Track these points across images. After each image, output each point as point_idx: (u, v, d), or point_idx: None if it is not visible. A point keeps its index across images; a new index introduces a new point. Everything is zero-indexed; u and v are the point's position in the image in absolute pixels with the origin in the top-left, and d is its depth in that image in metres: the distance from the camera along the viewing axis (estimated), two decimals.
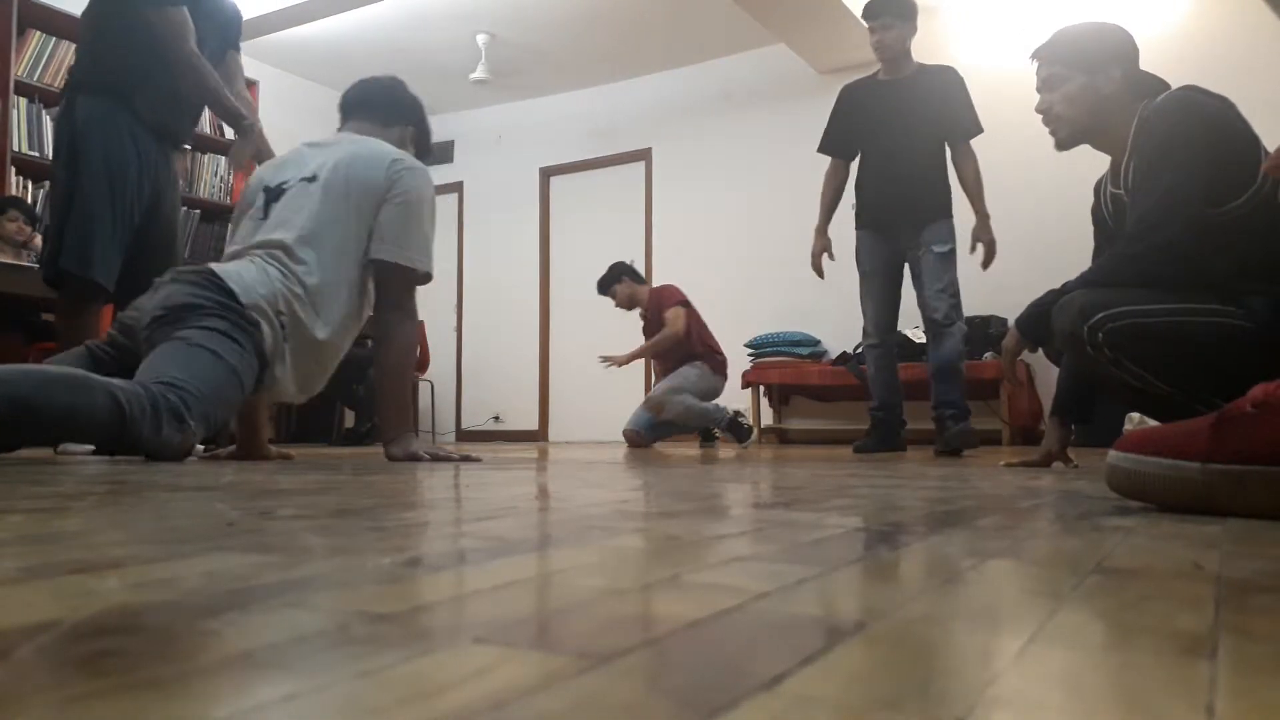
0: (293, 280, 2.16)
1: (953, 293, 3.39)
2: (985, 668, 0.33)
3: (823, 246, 3.68)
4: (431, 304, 7.40)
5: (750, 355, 6.10)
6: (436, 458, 2.25)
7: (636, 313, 5.05)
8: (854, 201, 3.60)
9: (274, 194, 2.29)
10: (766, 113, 6.57)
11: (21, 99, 4.76)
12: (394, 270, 2.31)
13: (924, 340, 5.21)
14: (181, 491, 1.14)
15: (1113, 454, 1.03)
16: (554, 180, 7.65)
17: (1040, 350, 2.08)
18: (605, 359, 4.75)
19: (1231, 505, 0.92)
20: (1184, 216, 1.75)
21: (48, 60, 4.90)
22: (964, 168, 3.47)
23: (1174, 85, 1.92)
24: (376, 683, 0.30)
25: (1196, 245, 1.75)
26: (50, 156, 4.67)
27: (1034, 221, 4.78)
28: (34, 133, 4.79)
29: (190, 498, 1.06)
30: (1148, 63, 2.02)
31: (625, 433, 4.73)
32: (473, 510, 0.97)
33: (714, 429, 4.67)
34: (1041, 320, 1.92)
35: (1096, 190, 2.09)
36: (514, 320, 7.63)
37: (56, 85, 4.82)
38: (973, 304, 3.56)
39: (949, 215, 3.45)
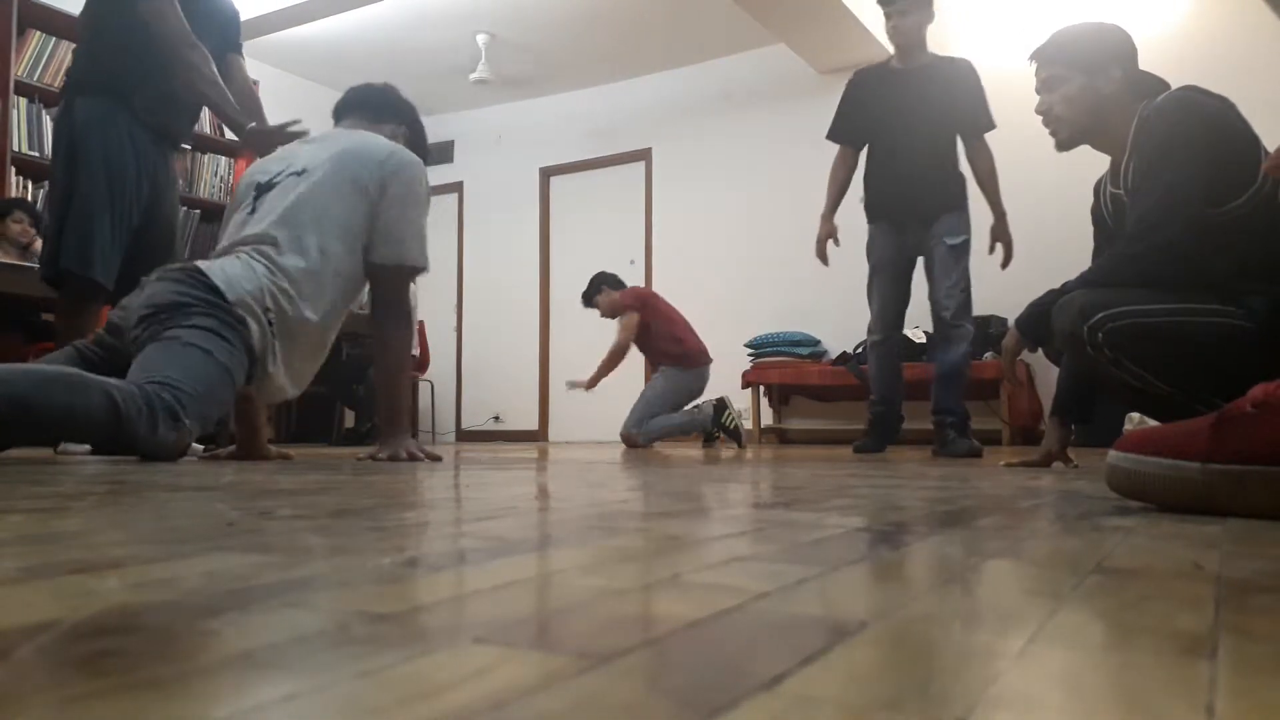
0: (279, 275, 2.15)
1: (964, 289, 3.33)
2: (986, 668, 0.33)
3: (828, 232, 3.59)
4: (431, 304, 7.40)
5: (750, 355, 6.10)
6: (414, 457, 2.26)
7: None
8: (862, 195, 3.53)
9: (264, 189, 2.29)
10: (766, 113, 6.57)
11: (21, 99, 4.76)
12: (391, 270, 2.32)
13: (923, 341, 5.23)
14: (181, 491, 1.14)
15: (1113, 454, 1.03)
16: (554, 180, 7.66)
17: (1040, 350, 2.08)
18: (571, 384, 4.79)
19: (1231, 505, 0.92)
20: (1184, 216, 1.75)
21: (48, 60, 4.90)
22: (979, 163, 3.40)
23: (1174, 85, 1.92)
24: (376, 683, 0.30)
25: (1196, 245, 1.75)
26: (50, 156, 4.70)
27: (1034, 221, 4.77)
28: (34, 133, 4.79)
29: (190, 498, 1.06)
30: (1148, 63, 2.02)
31: (622, 435, 4.73)
32: (473, 510, 0.97)
33: (713, 431, 4.66)
34: (1041, 320, 1.92)
35: (1096, 190, 2.09)
36: (514, 320, 7.63)
37: (56, 85, 4.81)
38: (973, 304, 3.52)
39: (963, 207, 3.38)
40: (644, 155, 7.17)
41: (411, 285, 2.41)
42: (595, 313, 4.99)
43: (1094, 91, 1.95)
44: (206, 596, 0.44)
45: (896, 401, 3.53)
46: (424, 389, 7.04)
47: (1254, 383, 0.97)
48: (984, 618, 0.42)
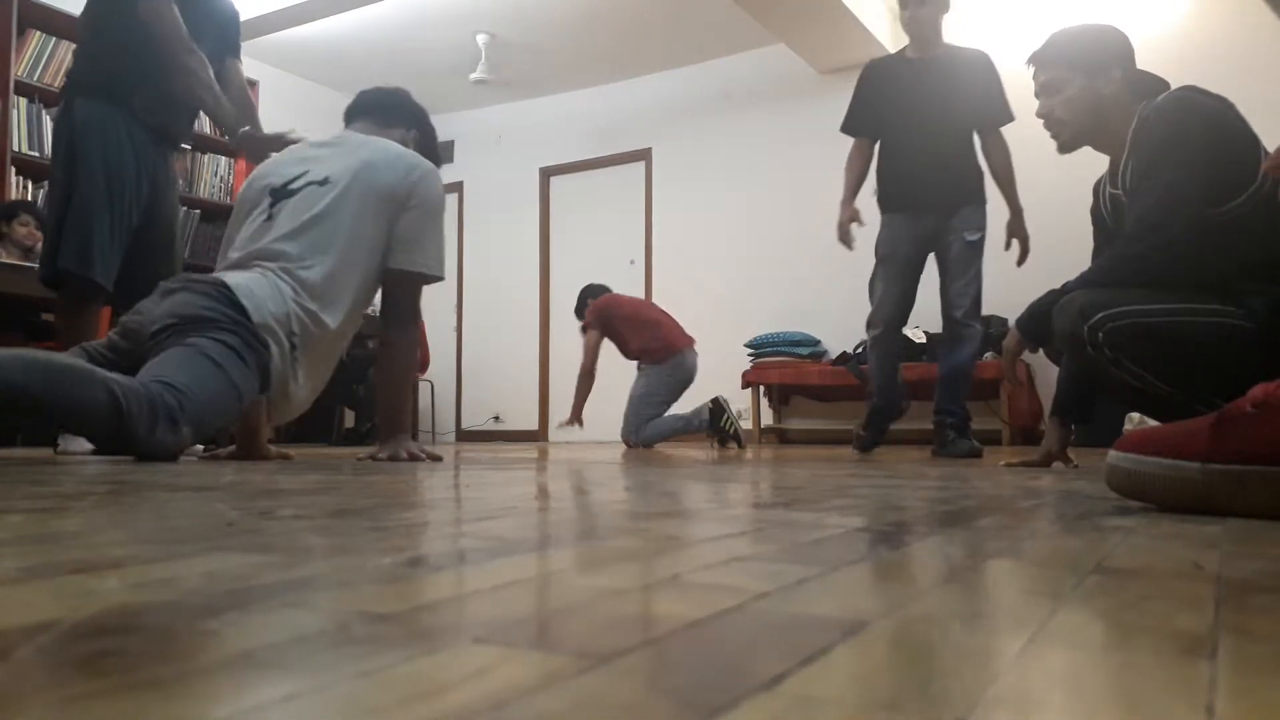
0: (304, 295, 2.16)
1: (977, 287, 3.27)
2: (985, 668, 0.33)
3: (851, 215, 3.44)
4: (431, 304, 7.35)
5: (750, 355, 6.10)
6: (414, 458, 2.26)
7: None
8: (874, 188, 3.46)
9: (280, 194, 2.27)
10: (766, 113, 6.57)
11: (21, 99, 4.76)
12: (407, 277, 2.33)
13: (923, 341, 5.23)
14: (181, 491, 1.14)
15: (1113, 454, 1.03)
16: (554, 180, 7.66)
17: (1040, 350, 2.08)
18: (561, 425, 4.73)
19: (1231, 505, 0.92)
20: (1184, 216, 1.75)
21: (48, 60, 4.90)
22: (995, 156, 3.34)
23: (1174, 85, 1.92)
24: (376, 683, 0.30)
25: (1196, 245, 1.76)
26: (49, 157, 4.70)
27: (1034, 222, 4.76)
28: (34, 133, 4.79)
29: (190, 498, 1.06)
30: (1148, 63, 2.02)
31: (622, 438, 4.73)
32: (473, 510, 0.97)
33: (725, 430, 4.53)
34: (1042, 320, 1.92)
35: (1095, 191, 2.09)
36: (514, 320, 7.64)
37: (56, 85, 4.81)
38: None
39: (982, 202, 3.32)
40: (644, 155, 7.17)
41: None
42: None
43: (1094, 93, 1.95)
44: (206, 596, 0.44)
45: (895, 399, 3.45)
46: (424, 389, 7.04)
47: (1254, 383, 0.97)
48: (984, 618, 0.43)
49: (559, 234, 7.61)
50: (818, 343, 6.07)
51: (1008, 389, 4.77)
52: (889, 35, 5.78)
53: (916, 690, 0.30)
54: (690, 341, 4.73)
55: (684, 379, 4.65)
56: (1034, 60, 2.06)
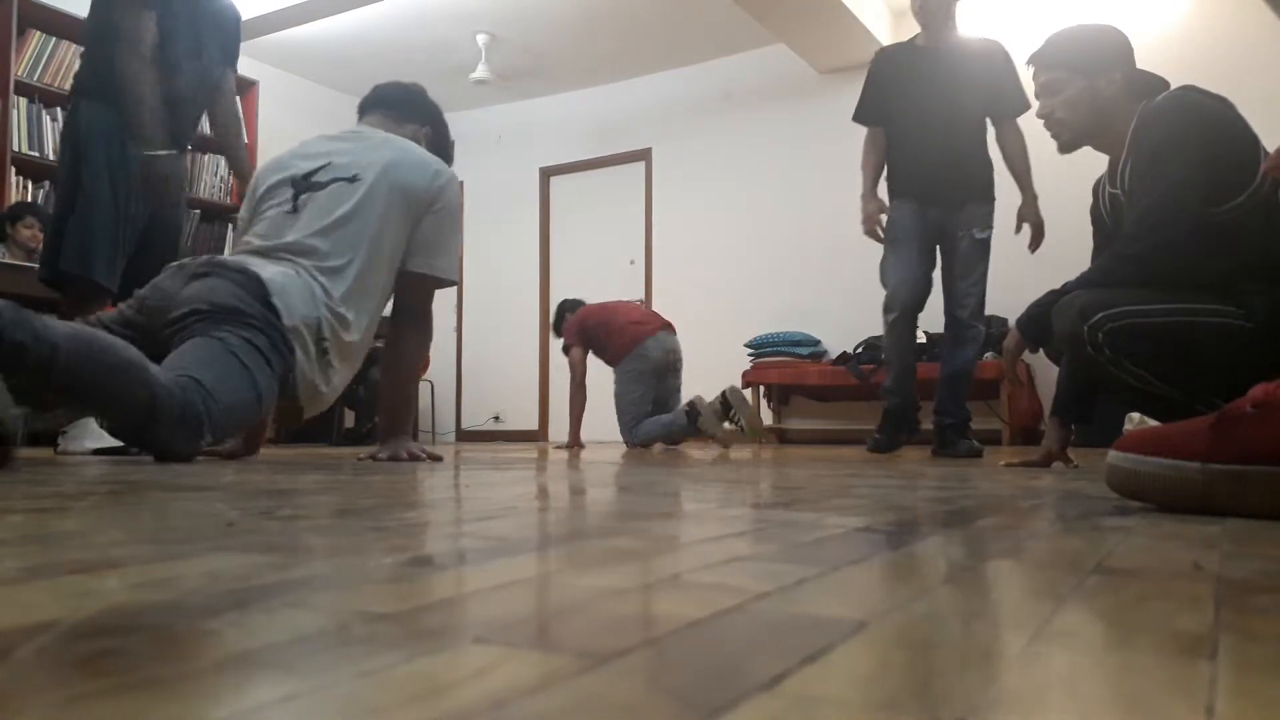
0: (334, 298, 2.16)
1: (982, 289, 3.21)
2: (986, 668, 0.33)
3: (877, 208, 3.32)
4: (432, 304, 7.38)
5: (750, 355, 6.10)
6: (414, 457, 2.27)
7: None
8: (886, 176, 3.38)
9: (303, 186, 2.25)
10: (766, 113, 6.57)
11: (21, 99, 4.76)
12: (423, 280, 2.34)
13: (922, 341, 5.22)
14: (181, 491, 1.14)
15: (1112, 454, 1.03)
16: (554, 180, 7.66)
17: (1040, 351, 2.08)
18: (558, 447, 4.59)
19: (1231, 505, 0.92)
20: (1183, 216, 1.76)
21: (48, 60, 4.90)
22: (1010, 144, 3.26)
23: (1174, 85, 1.93)
24: (377, 683, 0.30)
25: (1196, 245, 1.76)
26: (50, 156, 4.70)
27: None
28: (34, 133, 4.79)
29: (190, 498, 1.06)
30: (1148, 63, 2.02)
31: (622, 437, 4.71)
32: (473, 510, 0.97)
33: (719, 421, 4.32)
34: (1041, 321, 1.92)
35: (1095, 190, 2.09)
36: (514, 320, 7.63)
37: (57, 85, 4.82)
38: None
39: (991, 198, 3.26)
40: (644, 155, 7.17)
41: None
42: None
43: (1095, 94, 1.96)
44: (207, 596, 0.44)
45: (911, 393, 3.31)
46: (424, 389, 7.03)
47: (1253, 383, 0.97)
48: (984, 618, 0.43)
49: (559, 234, 7.61)
50: (818, 343, 6.07)
51: (1008, 389, 4.76)
52: (889, 35, 5.78)
53: (916, 690, 0.30)
54: (652, 329, 4.52)
55: (651, 368, 4.46)
56: (1033, 61, 2.07)
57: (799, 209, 6.35)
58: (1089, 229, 2.11)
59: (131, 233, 2.77)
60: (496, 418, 7.69)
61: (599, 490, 1.32)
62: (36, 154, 4.75)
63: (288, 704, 0.27)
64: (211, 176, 5.66)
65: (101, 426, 2.67)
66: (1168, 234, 1.76)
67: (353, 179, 2.24)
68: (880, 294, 3.37)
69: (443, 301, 8.26)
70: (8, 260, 4.07)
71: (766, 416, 6.21)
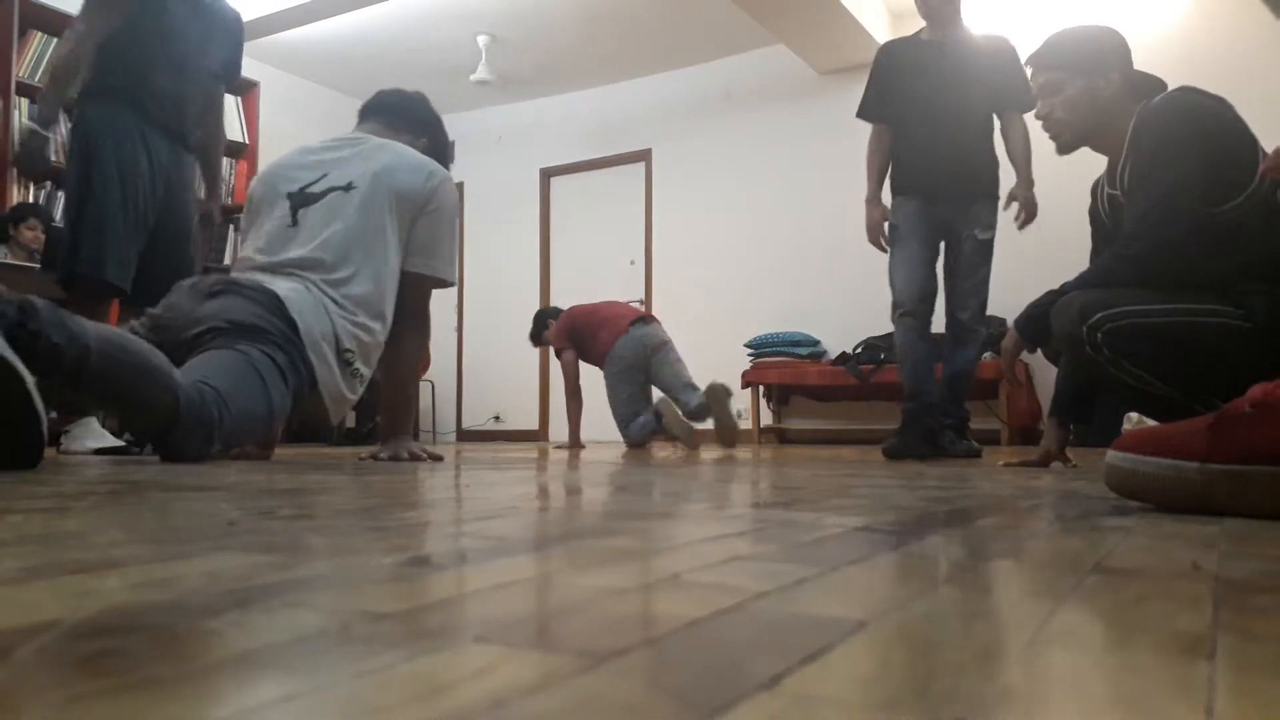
0: (350, 310, 2.19)
1: (985, 291, 3.15)
2: (985, 667, 0.33)
3: (881, 215, 3.27)
4: (432, 304, 7.37)
5: (750, 355, 6.10)
6: (415, 457, 2.27)
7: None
8: (890, 173, 3.31)
9: (300, 199, 2.28)
10: (766, 113, 6.57)
11: (23, 99, 4.76)
12: (420, 280, 2.35)
13: None
14: (182, 491, 1.14)
15: (1111, 454, 1.03)
16: (554, 180, 7.66)
17: (1039, 351, 2.08)
18: (559, 446, 4.51)
19: (1230, 505, 0.92)
20: (1182, 216, 1.76)
21: (49, 61, 4.90)
22: (1014, 136, 3.18)
23: (1173, 85, 1.93)
24: (377, 682, 0.30)
25: (1195, 245, 1.76)
26: (52, 157, 4.70)
27: (1034, 222, 4.79)
28: (24, 132, 4.79)
29: (191, 498, 1.06)
30: (1148, 63, 2.02)
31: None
32: (473, 510, 0.97)
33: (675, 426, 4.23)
34: (1040, 321, 1.92)
35: (1093, 191, 2.09)
36: (514, 320, 7.62)
37: None
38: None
39: (995, 196, 3.18)
40: (644, 155, 7.17)
41: None
42: None
43: (1094, 94, 1.96)
44: (207, 596, 0.44)
45: (931, 394, 3.14)
46: (425, 389, 7.03)
47: (1252, 383, 0.97)
48: (983, 617, 0.43)
49: (559, 234, 7.61)
50: (817, 343, 6.07)
51: (1007, 389, 4.76)
52: (888, 36, 5.76)
53: (916, 690, 0.30)
54: (624, 327, 4.43)
55: (629, 364, 4.38)
56: (1031, 62, 2.07)
57: (799, 209, 6.35)
58: (1088, 229, 2.12)
59: (142, 233, 2.78)
60: (497, 418, 7.69)
61: (599, 490, 1.32)
62: (17, 155, 4.74)
63: (288, 704, 0.27)
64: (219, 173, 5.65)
65: (105, 425, 2.67)
66: (1167, 234, 1.76)
67: (348, 187, 2.26)
68: (882, 293, 3.34)
69: (443, 301, 8.28)
70: (9, 261, 4.08)
71: (766, 416, 6.22)
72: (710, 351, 6.18)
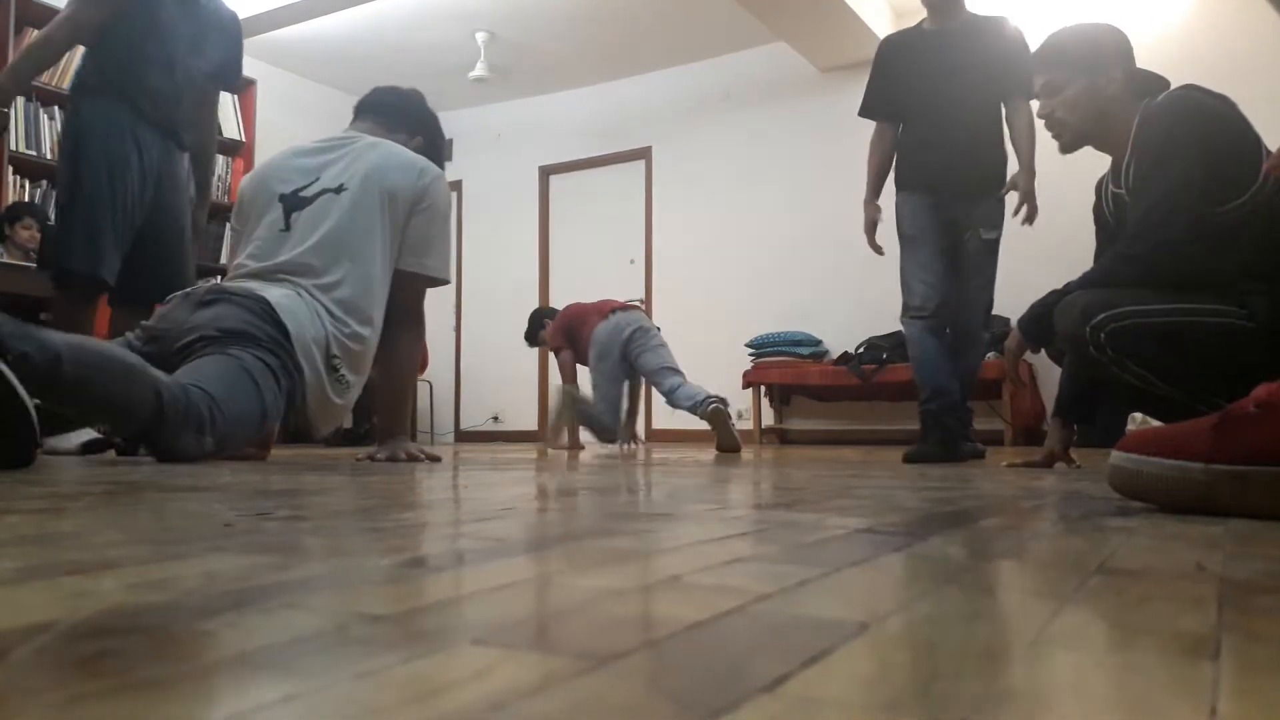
0: (339, 315, 2.19)
1: (991, 292, 3.03)
2: (988, 669, 0.33)
3: (875, 215, 3.16)
4: (430, 304, 7.34)
5: (751, 355, 6.10)
6: (413, 458, 2.27)
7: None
8: (894, 168, 3.19)
9: (293, 202, 2.27)
10: (767, 111, 6.57)
11: (20, 98, 4.75)
12: (413, 279, 2.35)
13: None
14: (179, 492, 1.14)
15: (1115, 454, 1.03)
16: (553, 179, 7.66)
17: (1042, 351, 2.08)
18: (560, 448, 4.33)
19: (1234, 506, 0.92)
20: (1186, 216, 1.75)
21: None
22: (1017, 123, 3.02)
23: (1176, 84, 1.92)
24: (375, 684, 0.29)
25: (1199, 245, 1.75)
26: (48, 156, 4.71)
27: (1037, 221, 4.78)
28: (32, 132, 4.79)
29: (187, 498, 1.06)
30: (1148, 62, 2.02)
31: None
32: (471, 511, 0.97)
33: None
34: (1043, 321, 1.92)
35: (1098, 190, 2.09)
36: (513, 320, 7.60)
37: (54, 85, 4.81)
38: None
39: (1003, 194, 3.04)
40: (644, 154, 7.17)
41: None
42: None
43: (1096, 93, 1.95)
44: (204, 597, 0.44)
45: (953, 393, 2.95)
46: (423, 389, 7.03)
47: (1256, 383, 0.97)
48: (986, 618, 0.42)
49: (559, 233, 7.61)
50: (819, 342, 6.07)
51: (1010, 390, 4.76)
52: (889, 32, 5.78)
53: (919, 691, 0.30)
54: (601, 317, 4.39)
55: (605, 347, 4.30)
56: (1032, 61, 2.06)
57: (801, 207, 6.35)
58: (1091, 228, 2.11)
59: (130, 230, 2.77)
60: (495, 418, 7.69)
61: (598, 491, 1.32)
62: (34, 153, 4.75)
63: (286, 705, 0.27)
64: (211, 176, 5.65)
65: (101, 432, 2.66)
66: (1170, 234, 1.76)
67: (339, 189, 2.26)
68: (883, 292, 3.26)
69: (441, 301, 8.29)
70: (5, 260, 4.08)
71: (768, 416, 6.21)
72: (711, 351, 6.18)
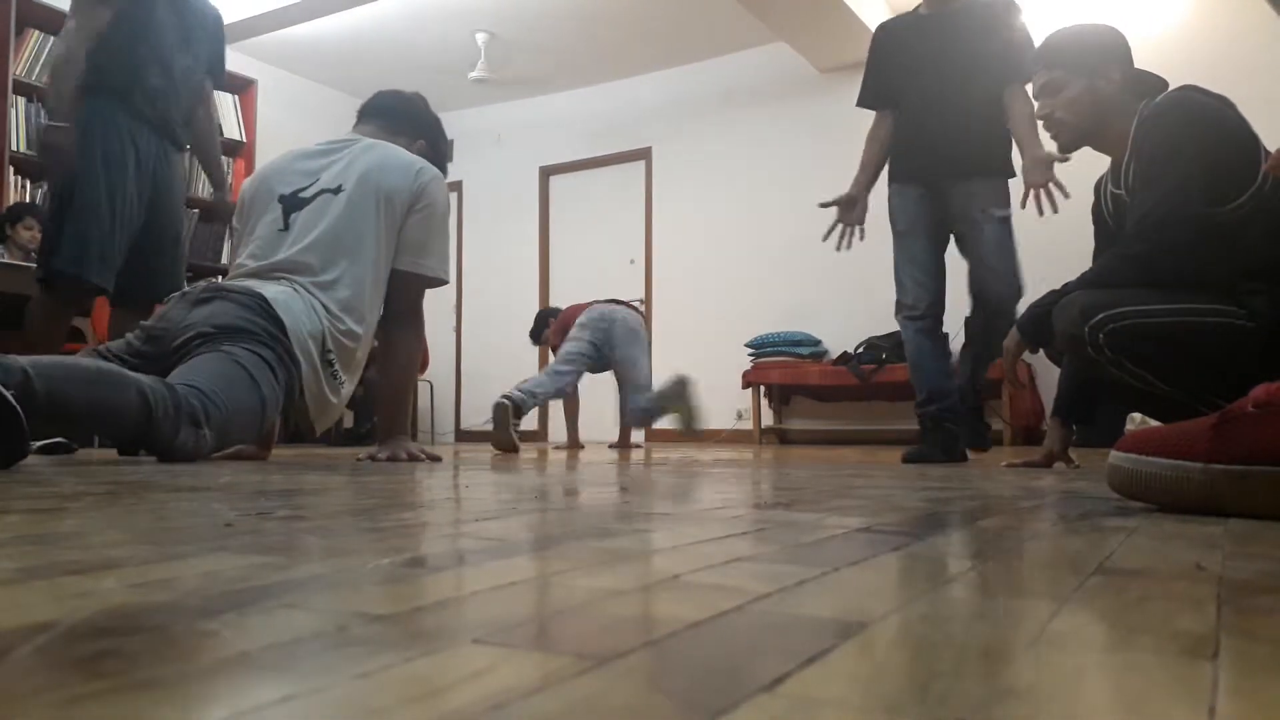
0: (335, 312, 2.20)
1: (1019, 270, 2.82)
2: (987, 668, 0.33)
3: (854, 194, 3.09)
4: (431, 304, 7.34)
5: (750, 355, 6.10)
6: (413, 458, 2.27)
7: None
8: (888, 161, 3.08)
9: (292, 202, 2.28)
10: (767, 111, 6.57)
11: (20, 98, 4.76)
12: (412, 279, 2.35)
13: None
14: (179, 492, 1.14)
15: (1114, 454, 1.03)
16: (554, 179, 7.65)
17: (1041, 351, 2.08)
18: (560, 448, 4.40)
19: (1233, 506, 0.92)
20: (1185, 216, 1.75)
21: (46, 59, 4.90)
22: (1015, 109, 2.85)
23: (1174, 85, 1.92)
24: (375, 684, 0.29)
25: (1198, 245, 1.75)
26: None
27: (1036, 221, 4.78)
28: (32, 132, 4.79)
29: (188, 498, 1.06)
30: (1148, 63, 2.02)
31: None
32: (472, 510, 0.97)
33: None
34: (1042, 321, 1.92)
35: (1097, 190, 2.09)
36: (513, 320, 7.63)
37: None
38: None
39: (1010, 175, 2.90)
40: (644, 154, 7.17)
41: None
42: None
43: (1095, 93, 1.95)
44: (204, 597, 0.44)
45: (952, 394, 2.88)
46: (423, 389, 7.03)
47: (1255, 383, 0.97)
48: (985, 618, 0.42)
49: (559, 233, 7.61)
50: (818, 342, 6.07)
51: (1009, 390, 4.74)
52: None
53: (917, 691, 0.30)
54: (575, 310, 4.48)
55: (579, 330, 4.34)
56: (1032, 61, 2.07)
57: (800, 207, 6.32)
58: (1090, 228, 2.11)
59: (127, 232, 2.76)
60: None
61: (598, 490, 1.32)
62: (34, 153, 4.75)
63: (286, 705, 0.27)
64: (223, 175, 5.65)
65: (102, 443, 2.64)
66: (1169, 234, 1.76)
67: (337, 190, 2.27)
68: (884, 292, 3.20)
69: (442, 301, 8.29)
70: (6, 260, 4.08)
71: (767, 416, 6.21)
72: (710, 351, 6.19)
